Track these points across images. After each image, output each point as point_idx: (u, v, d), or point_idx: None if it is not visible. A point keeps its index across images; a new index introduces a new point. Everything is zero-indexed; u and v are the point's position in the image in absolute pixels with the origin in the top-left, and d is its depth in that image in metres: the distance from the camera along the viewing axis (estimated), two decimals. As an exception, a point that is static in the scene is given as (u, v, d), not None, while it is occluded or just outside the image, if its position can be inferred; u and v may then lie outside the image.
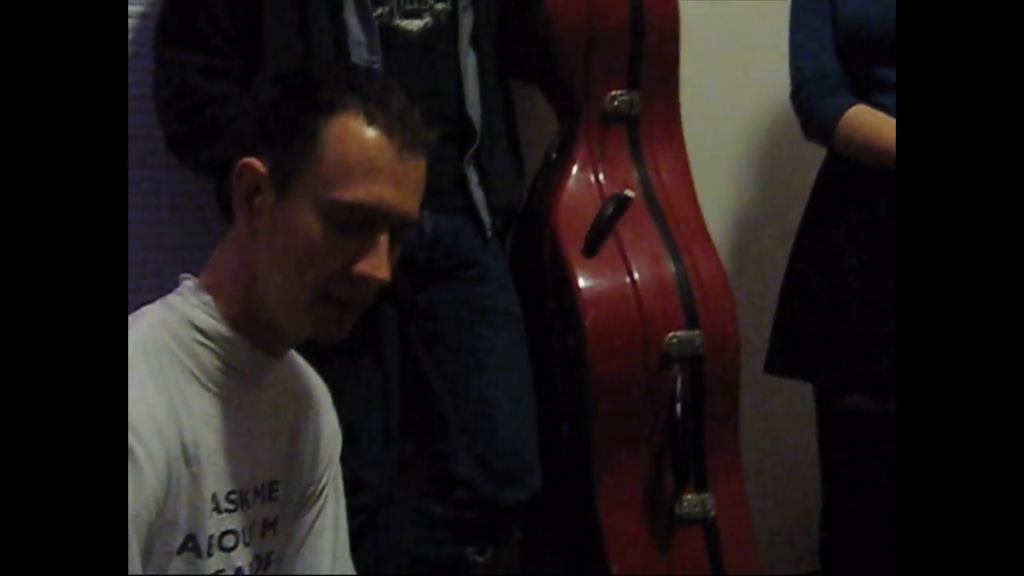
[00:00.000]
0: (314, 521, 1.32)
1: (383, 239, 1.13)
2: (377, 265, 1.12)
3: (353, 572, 1.37)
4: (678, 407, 1.80)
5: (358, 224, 1.11)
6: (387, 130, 1.13)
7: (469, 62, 1.81)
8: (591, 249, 1.85)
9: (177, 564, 1.13)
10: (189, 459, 1.13)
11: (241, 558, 1.20)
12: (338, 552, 1.35)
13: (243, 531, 1.20)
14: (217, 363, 1.17)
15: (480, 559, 1.79)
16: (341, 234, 1.11)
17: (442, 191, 1.77)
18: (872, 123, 1.87)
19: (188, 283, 1.19)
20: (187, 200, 1.90)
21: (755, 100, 2.33)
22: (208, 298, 1.17)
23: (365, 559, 1.44)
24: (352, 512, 1.40)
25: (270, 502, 1.24)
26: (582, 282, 1.83)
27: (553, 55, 1.88)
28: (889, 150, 1.85)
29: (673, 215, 1.91)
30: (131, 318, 1.17)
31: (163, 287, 1.22)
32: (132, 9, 1.88)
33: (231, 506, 1.18)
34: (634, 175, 1.92)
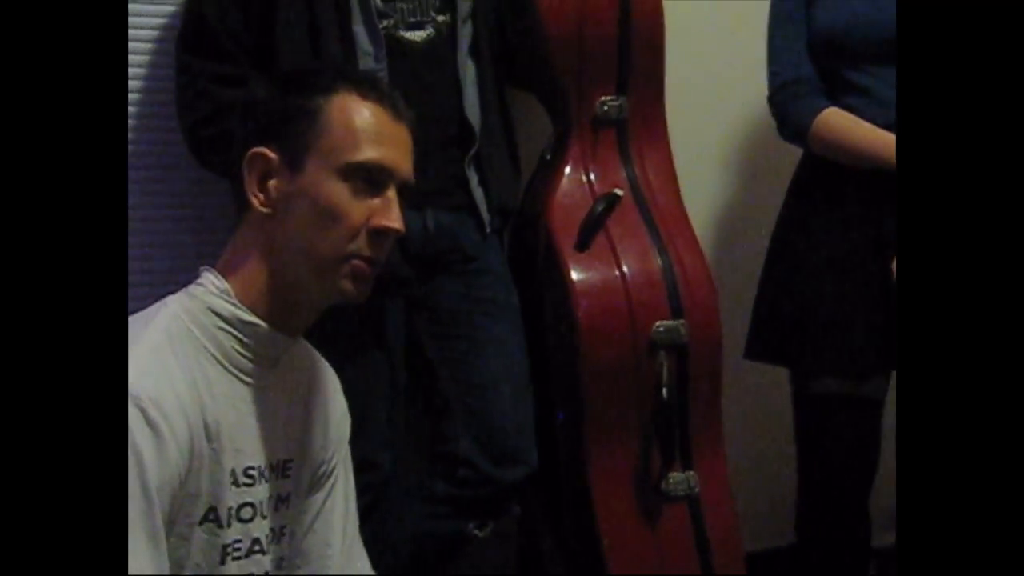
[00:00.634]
0: (325, 499, 1.33)
1: (392, 194, 1.18)
2: (393, 218, 1.17)
3: (362, 546, 1.38)
4: (664, 391, 1.80)
5: (372, 182, 1.16)
6: (380, 103, 1.19)
7: (468, 70, 1.81)
8: (583, 244, 1.85)
9: (199, 534, 1.14)
10: (211, 436, 1.14)
11: (258, 530, 1.21)
12: (348, 527, 1.35)
13: (259, 504, 1.20)
14: (237, 347, 1.18)
15: (480, 534, 1.79)
16: (357, 196, 1.16)
17: (444, 190, 1.78)
18: (843, 125, 1.87)
19: (207, 274, 1.20)
20: (207, 199, 1.90)
21: (735, 104, 2.32)
22: (226, 286, 1.18)
23: (373, 534, 1.44)
24: (361, 490, 1.42)
25: (284, 479, 1.25)
26: (574, 275, 1.83)
27: (547, 64, 1.88)
28: (859, 150, 1.86)
29: (659, 212, 1.91)
30: (156, 307, 1.18)
31: (185, 279, 1.23)
32: (156, 21, 1.88)
33: (249, 481, 1.19)
34: (622, 175, 1.92)
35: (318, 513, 1.32)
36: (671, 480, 1.83)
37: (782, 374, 1.99)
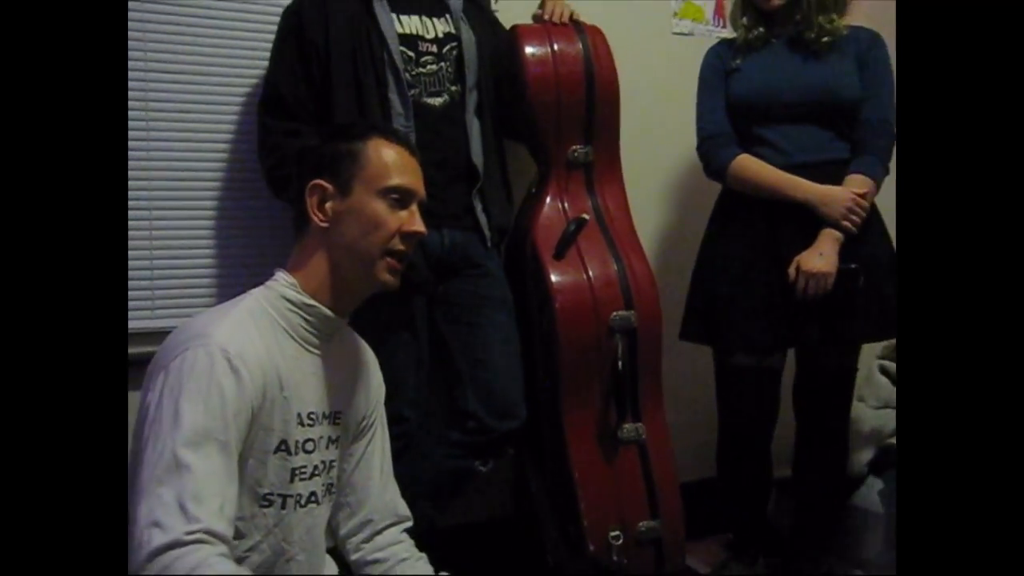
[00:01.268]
0: (367, 445, 1.33)
1: (415, 208, 1.21)
2: (418, 223, 1.21)
3: (394, 480, 1.38)
4: (620, 364, 1.80)
5: (401, 200, 1.19)
6: (400, 144, 1.22)
7: (474, 126, 1.80)
8: (559, 255, 1.84)
9: (274, 460, 1.15)
10: (283, 386, 1.14)
11: (315, 459, 1.21)
12: (384, 466, 1.36)
13: (317, 440, 1.21)
14: (302, 323, 1.19)
15: (484, 469, 1.79)
16: (392, 210, 1.19)
17: (456, 215, 1.78)
18: (752, 167, 1.88)
19: (279, 272, 1.22)
20: (280, 218, 1.88)
21: (672, 151, 2.32)
22: (293, 280, 1.19)
23: (403, 471, 1.44)
24: (394, 438, 1.41)
25: (335, 425, 1.25)
26: (553, 277, 1.82)
27: (532, 121, 1.87)
28: (764, 186, 1.86)
29: (616, 231, 1.90)
30: (242, 296, 1.19)
31: (264, 275, 1.24)
32: (242, 91, 1.88)
33: (310, 422, 1.19)
34: (589, 204, 1.91)
35: (362, 456, 1.32)
36: (625, 430, 1.83)
37: (707, 351, 2.00)
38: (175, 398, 1.02)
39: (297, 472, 1.17)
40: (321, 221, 1.18)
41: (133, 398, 1.13)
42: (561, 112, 1.86)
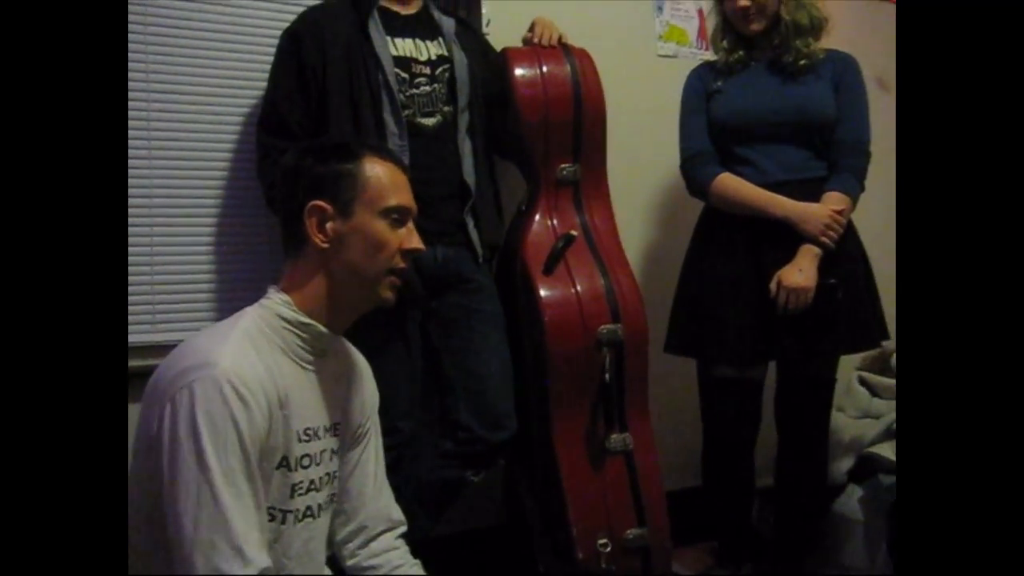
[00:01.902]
0: (362, 453, 1.33)
1: (411, 226, 1.22)
2: (416, 241, 1.21)
3: (389, 487, 1.37)
4: (607, 375, 1.79)
5: (399, 218, 1.19)
6: (392, 163, 1.22)
7: (466, 146, 1.81)
8: (548, 270, 1.84)
9: (276, 476, 1.14)
10: (282, 404, 1.13)
11: (315, 473, 1.20)
12: (378, 474, 1.35)
13: (316, 455, 1.20)
14: (298, 341, 1.18)
15: (475, 479, 1.78)
16: (392, 228, 1.19)
17: (449, 231, 1.79)
18: (733, 185, 1.90)
19: (273, 290, 1.21)
20: (274, 235, 1.89)
21: (657, 170, 2.33)
22: (288, 298, 1.18)
23: (397, 480, 1.44)
24: (388, 449, 1.40)
25: (334, 437, 1.25)
26: (542, 292, 1.81)
27: (522, 141, 1.87)
28: (744, 203, 1.88)
29: (603, 247, 1.90)
30: (236, 316, 1.18)
31: (264, 290, 1.23)
32: (241, 111, 1.88)
33: (307, 438, 1.18)
34: (577, 221, 1.90)
35: (357, 462, 1.31)
36: (612, 440, 1.81)
37: (691, 363, 2.01)
38: (194, 438, 1.02)
39: (296, 488, 1.17)
40: (322, 242, 1.17)
41: (133, 411, 1.12)
42: (550, 132, 1.87)
